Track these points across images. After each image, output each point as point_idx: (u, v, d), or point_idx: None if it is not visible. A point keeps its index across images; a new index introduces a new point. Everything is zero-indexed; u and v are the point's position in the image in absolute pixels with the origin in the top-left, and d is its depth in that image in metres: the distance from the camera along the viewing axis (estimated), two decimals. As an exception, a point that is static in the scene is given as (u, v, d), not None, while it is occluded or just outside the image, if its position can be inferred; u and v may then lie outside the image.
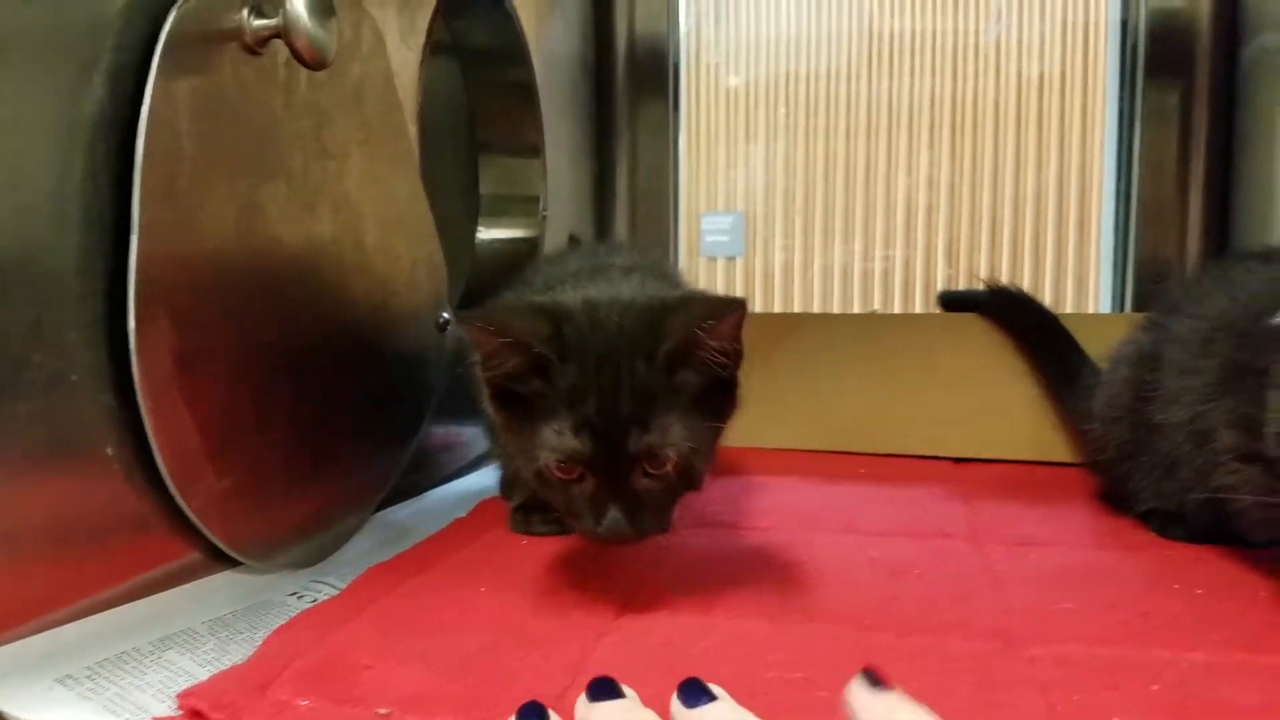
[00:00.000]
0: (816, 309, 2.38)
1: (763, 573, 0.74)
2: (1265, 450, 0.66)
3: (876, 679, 0.44)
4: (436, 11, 1.04)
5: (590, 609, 0.66)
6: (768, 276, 2.44)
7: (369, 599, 0.68)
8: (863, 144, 2.26)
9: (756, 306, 2.53)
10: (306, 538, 0.79)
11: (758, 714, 0.49)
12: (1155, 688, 0.52)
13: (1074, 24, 1.98)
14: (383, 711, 0.51)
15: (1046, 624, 0.62)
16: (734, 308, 0.65)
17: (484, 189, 1.33)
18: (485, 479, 1.03)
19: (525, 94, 1.32)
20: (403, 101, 0.94)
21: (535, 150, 1.34)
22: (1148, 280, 1.52)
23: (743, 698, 0.51)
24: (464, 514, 0.92)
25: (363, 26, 0.87)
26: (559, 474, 0.66)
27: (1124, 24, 1.63)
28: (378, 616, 0.65)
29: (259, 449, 0.74)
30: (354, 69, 0.85)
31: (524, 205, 1.34)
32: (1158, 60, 1.53)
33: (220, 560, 0.72)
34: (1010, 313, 1.13)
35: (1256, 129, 1.39)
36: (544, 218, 1.34)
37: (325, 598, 0.70)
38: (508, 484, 0.93)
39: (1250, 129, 1.42)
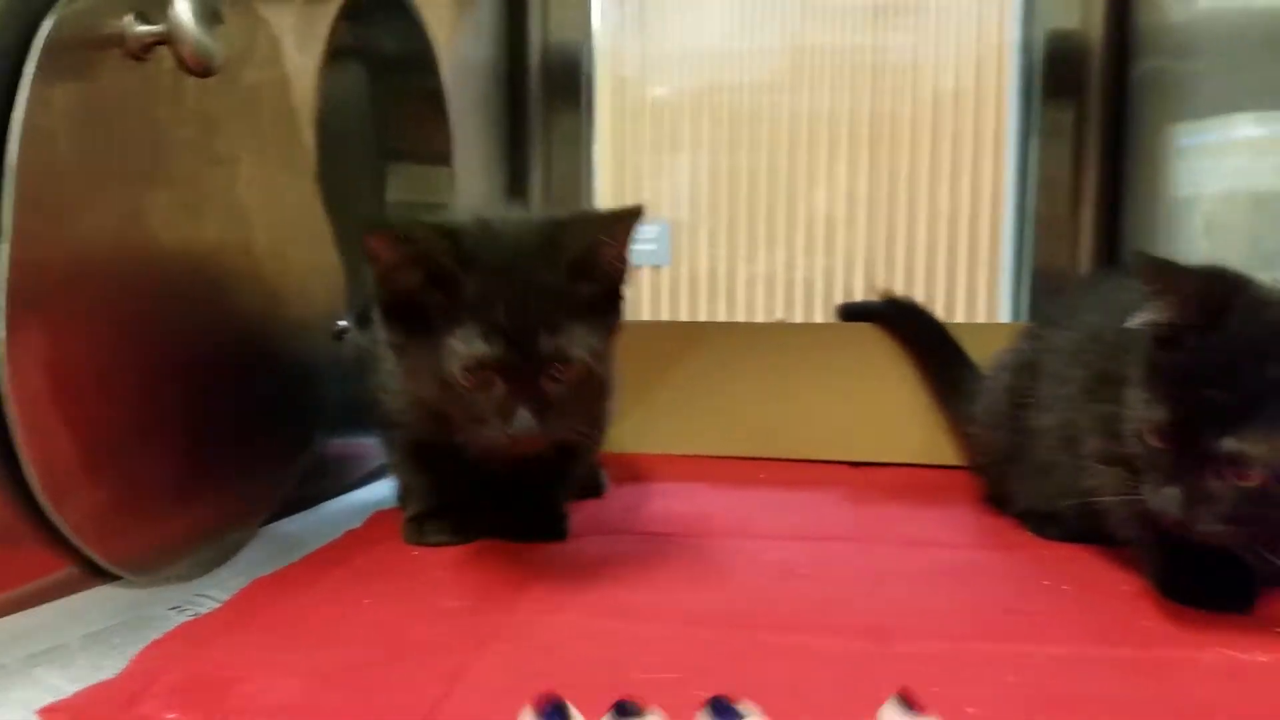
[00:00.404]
0: (742, 318, 2.41)
1: (652, 577, 0.75)
2: (1125, 449, 0.69)
3: (909, 702, 0.44)
4: (338, 18, 1.04)
5: (473, 617, 0.66)
6: (694, 285, 2.45)
7: (249, 612, 0.67)
8: (785, 156, 2.29)
9: (684, 315, 2.55)
10: (190, 551, 0.78)
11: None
12: (1010, 679, 0.54)
13: (981, 44, 2.03)
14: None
15: (916, 621, 0.64)
16: (633, 216, 0.71)
17: (391, 195, 1.33)
18: (385, 490, 1.02)
19: (433, 101, 1.31)
20: (299, 108, 0.93)
21: (444, 158, 1.34)
22: (1044, 291, 1.57)
23: (611, 699, 0.52)
24: (359, 525, 0.91)
25: (256, 33, 0.86)
26: (465, 382, 0.67)
27: (1025, 44, 1.68)
28: (257, 629, 0.64)
29: (140, 461, 0.72)
30: (246, 75, 0.85)
31: (431, 213, 1.34)
32: (1053, 80, 1.58)
33: (98, 574, 0.71)
34: (903, 323, 1.17)
35: (1144, 146, 1.45)
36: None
37: (207, 611, 0.69)
38: (404, 494, 0.93)
39: (1138, 146, 1.47)
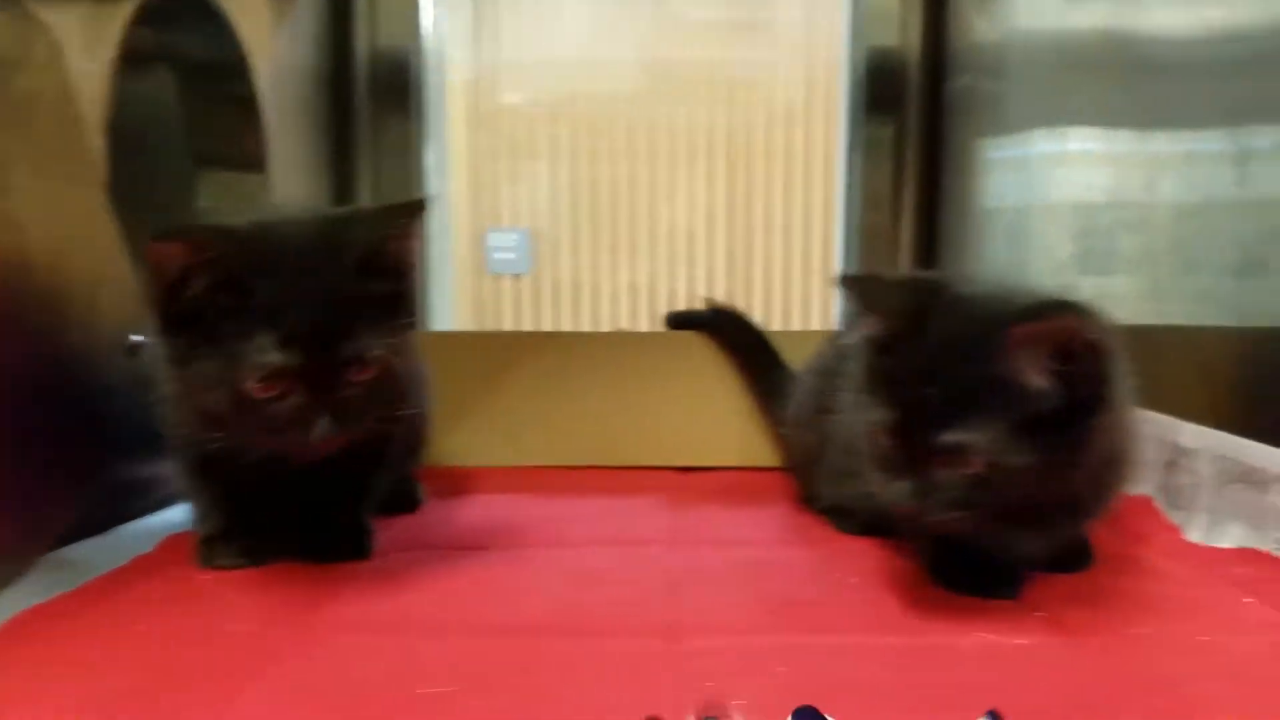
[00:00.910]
0: (605, 327, 2.41)
1: (454, 592, 0.73)
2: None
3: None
4: (134, 22, 0.99)
5: (257, 640, 0.63)
6: (557, 294, 2.45)
7: (20, 640, 0.63)
8: (643, 167, 2.31)
9: (546, 324, 2.54)
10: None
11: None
12: (781, 669, 0.56)
13: (816, 60, 2.11)
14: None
15: (707, 619, 0.65)
16: (416, 209, 0.71)
17: (203, 203, 1.27)
18: (183, 513, 0.97)
19: (245, 107, 1.27)
20: (85, 116, 0.89)
21: (258, 164, 1.30)
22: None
23: (394, 715, 0.51)
24: (150, 550, 0.87)
25: (32, 38, 0.82)
26: (260, 394, 0.65)
27: (852, 62, 1.75)
28: (27, 660, 0.60)
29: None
30: (20, 82, 0.80)
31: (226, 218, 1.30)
32: (875, 96, 1.65)
33: None
34: (725, 330, 1.19)
35: (956, 160, 1.53)
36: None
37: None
38: (197, 516, 0.89)
39: (951, 160, 1.55)
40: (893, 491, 0.64)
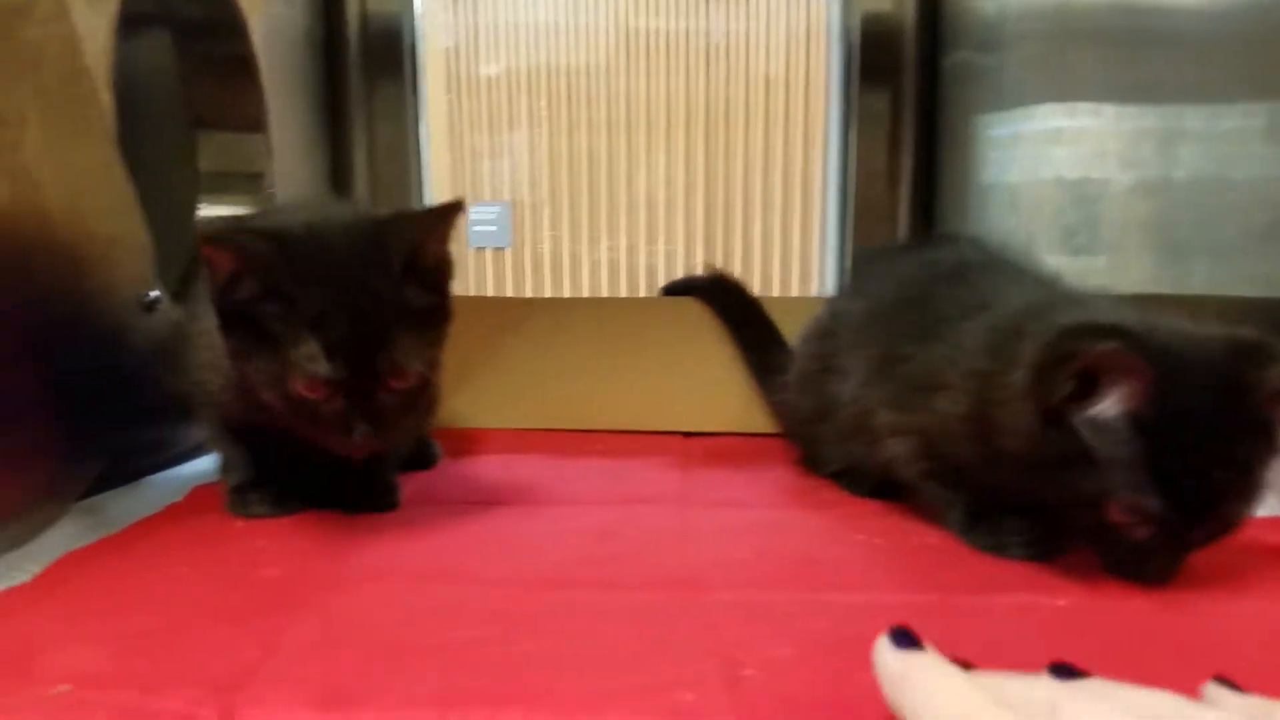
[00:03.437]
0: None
1: (476, 543, 0.75)
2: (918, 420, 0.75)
3: (904, 636, 0.43)
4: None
5: (291, 584, 0.65)
6: (537, 268, 2.44)
7: (58, 583, 0.64)
8: (623, 139, 2.30)
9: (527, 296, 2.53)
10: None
11: (452, 672, 0.51)
12: (819, 625, 0.58)
13: (799, 27, 2.10)
14: (61, 689, 0.48)
15: (727, 573, 0.67)
16: (453, 211, 0.72)
17: (203, 165, 1.27)
18: (208, 464, 0.98)
19: (242, 68, 1.26)
20: (93, 69, 0.88)
21: (257, 125, 1.29)
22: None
23: (440, 659, 0.53)
24: (180, 500, 0.88)
25: (36, -11, 0.81)
26: (306, 393, 0.68)
27: (843, 29, 1.75)
28: (64, 601, 0.62)
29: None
30: (29, 33, 0.80)
31: (248, 182, 1.30)
32: (869, 65, 1.66)
33: None
34: (721, 298, 1.20)
35: (954, 134, 1.54)
36: (271, 194, 1.30)
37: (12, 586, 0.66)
38: (224, 466, 0.90)
39: (950, 134, 1.57)
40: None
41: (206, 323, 0.76)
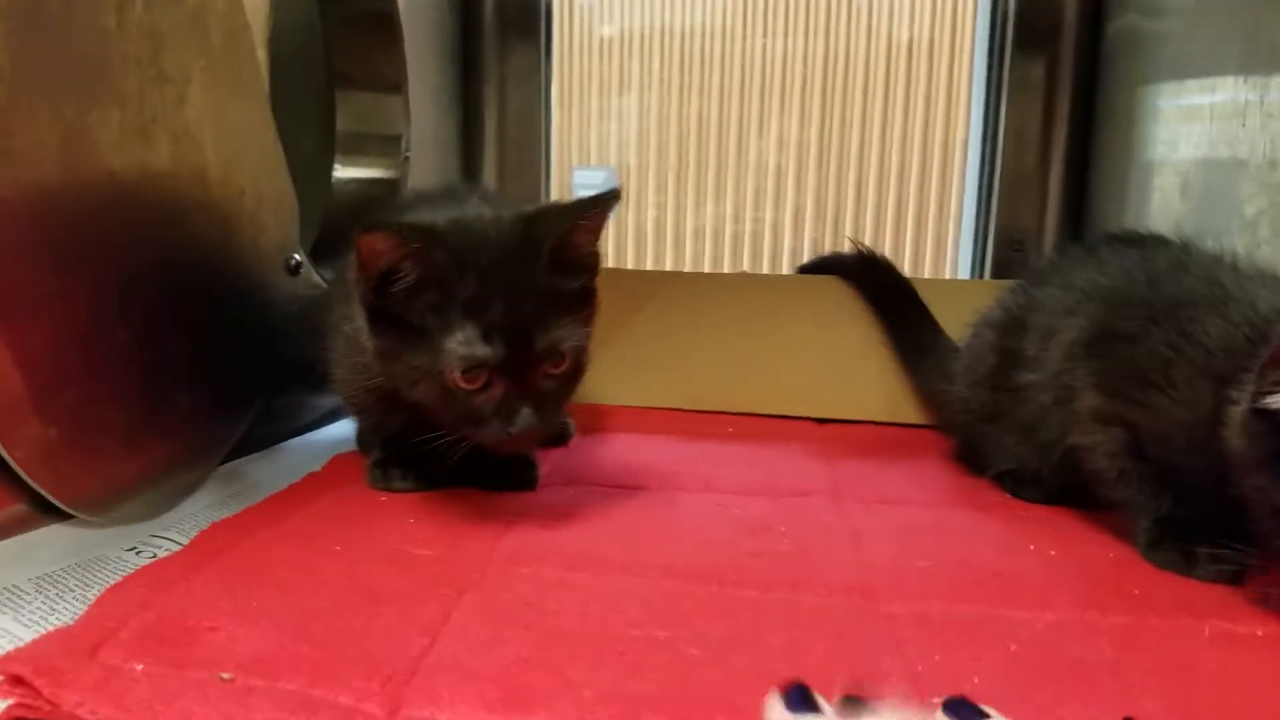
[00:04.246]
0: (688, 269, 2.38)
1: (625, 529, 0.73)
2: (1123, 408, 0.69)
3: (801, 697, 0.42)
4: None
5: (446, 567, 0.63)
6: (640, 235, 2.41)
7: (211, 555, 0.64)
8: (736, 103, 2.24)
9: (629, 265, 2.51)
10: (144, 490, 0.74)
11: (624, 673, 0.48)
12: (1013, 647, 0.53)
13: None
14: (225, 676, 0.47)
15: (904, 581, 0.63)
16: (611, 199, 0.71)
17: (341, 125, 1.26)
18: (345, 429, 0.98)
19: (386, 25, 1.25)
20: (251, 26, 0.88)
21: (396, 86, 1.28)
22: (1006, 247, 1.57)
23: (609, 656, 0.51)
24: (319, 468, 0.88)
25: (204, -57, 0.81)
26: (464, 384, 0.67)
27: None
28: (220, 574, 0.61)
29: (90, 396, 0.68)
30: (197, -10, 0.79)
31: (384, 145, 1.28)
32: (1025, 31, 1.56)
33: (49, 513, 0.67)
34: (870, 278, 1.15)
35: (1118, 105, 1.44)
36: (406, 159, 1.29)
37: (165, 554, 0.66)
38: (365, 437, 0.90)
39: (1112, 104, 1.47)
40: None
41: (349, 321, 0.75)
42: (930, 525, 0.76)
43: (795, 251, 2.37)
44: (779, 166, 2.30)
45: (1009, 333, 0.86)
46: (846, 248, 1.19)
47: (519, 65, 1.66)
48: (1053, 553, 0.70)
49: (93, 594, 0.58)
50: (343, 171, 1.25)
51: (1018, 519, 0.78)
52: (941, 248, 2.39)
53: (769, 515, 0.77)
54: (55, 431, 0.64)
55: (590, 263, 0.74)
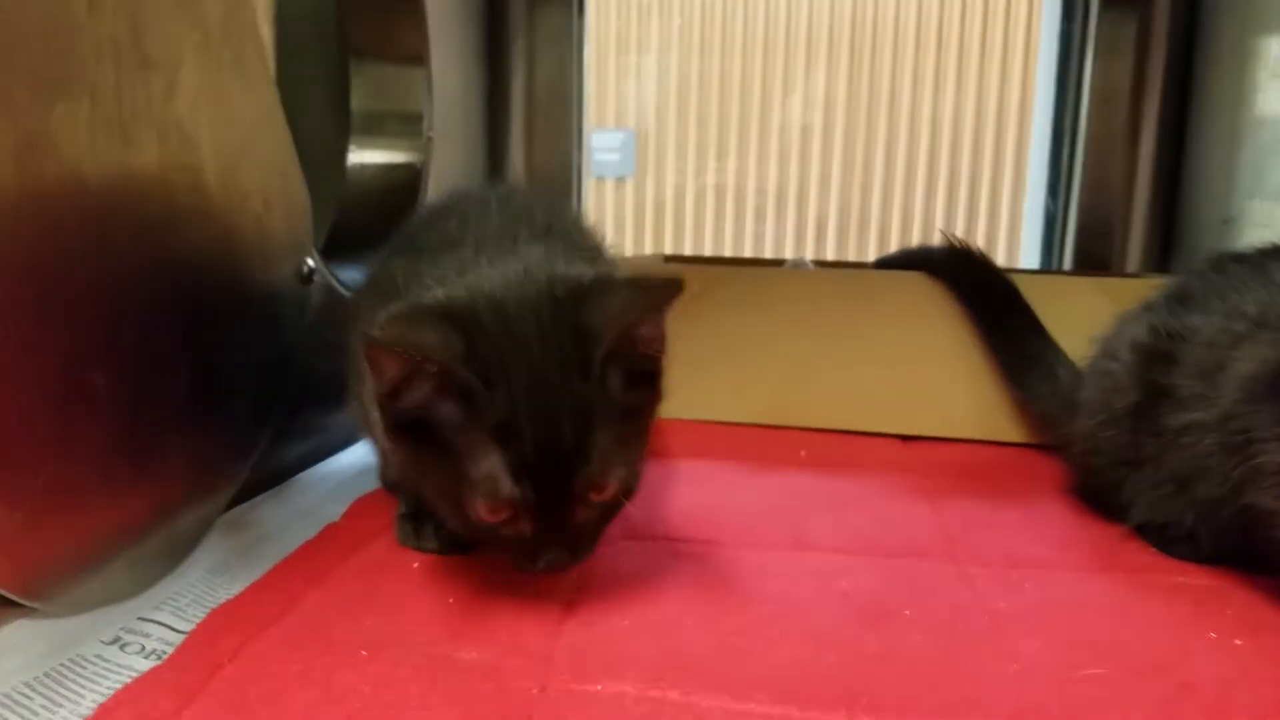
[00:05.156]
0: (709, 236, 2.24)
1: (712, 617, 0.59)
2: None
3: None
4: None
5: (501, 683, 0.51)
6: (659, 200, 2.29)
7: (208, 670, 0.51)
8: (759, 61, 2.13)
9: (648, 233, 2.37)
10: (127, 559, 0.61)
11: None
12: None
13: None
14: None
15: (1078, 703, 0.50)
16: (669, 295, 0.58)
17: (356, 103, 1.12)
18: (366, 456, 0.86)
19: (408, -11, 1.11)
20: (254, -2, 0.74)
21: (418, 57, 1.14)
22: (1091, 229, 1.42)
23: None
24: (336, 513, 0.75)
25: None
26: (488, 517, 0.56)
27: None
28: (218, 703, 0.48)
29: (61, 458, 0.55)
30: (184, -48, 0.65)
31: (404, 124, 1.14)
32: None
33: (4, 606, 0.54)
34: (964, 276, 1.00)
35: (1222, 57, 1.29)
36: (429, 140, 1.15)
37: (156, 644, 0.54)
38: (390, 479, 0.77)
39: (1214, 57, 1.31)
40: None
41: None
42: (1079, 602, 0.63)
43: (820, 220, 2.25)
44: (803, 128, 2.19)
45: (1154, 367, 0.71)
46: (937, 240, 1.04)
47: (549, 28, 1.51)
48: (1238, 643, 0.57)
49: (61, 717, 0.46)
50: (359, 156, 1.12)
51: (1182, 590, 0.65)
52: (996, 221, 2.26)
53: (884, 591, 0.63)
54: (19, 518, 0.52)
55: (654, 368, 0.60)
